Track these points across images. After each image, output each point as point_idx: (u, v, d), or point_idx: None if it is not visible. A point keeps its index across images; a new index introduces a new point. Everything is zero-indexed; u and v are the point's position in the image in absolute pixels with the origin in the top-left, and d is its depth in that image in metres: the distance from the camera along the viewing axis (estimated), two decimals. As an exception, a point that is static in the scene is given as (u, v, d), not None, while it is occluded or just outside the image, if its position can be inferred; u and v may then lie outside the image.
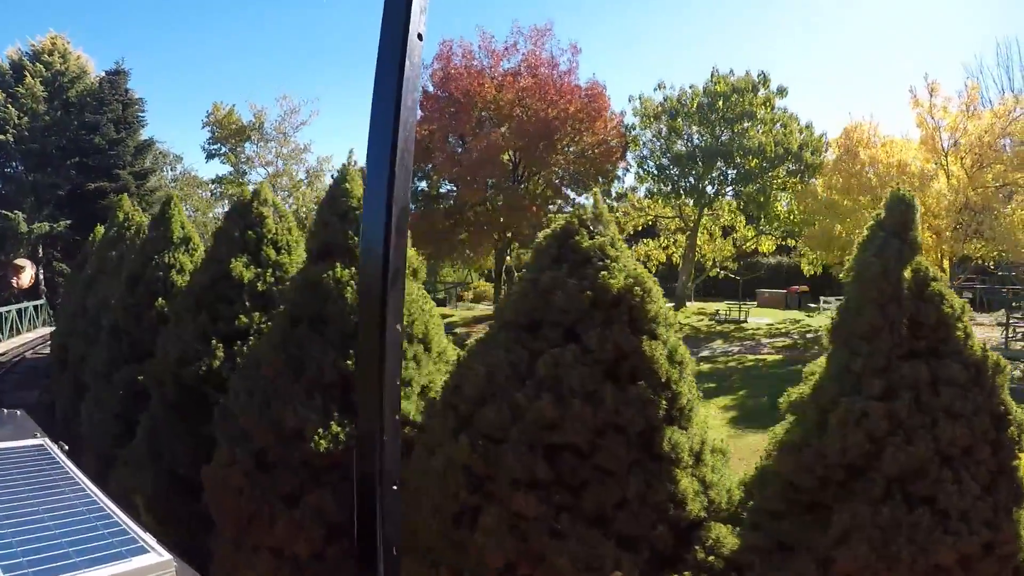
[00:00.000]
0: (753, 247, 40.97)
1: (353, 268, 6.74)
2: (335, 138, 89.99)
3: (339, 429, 6.23)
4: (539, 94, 33.72)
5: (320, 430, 6.20)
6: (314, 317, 6.73)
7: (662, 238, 41.42)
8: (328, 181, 42.69)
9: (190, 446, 7.69)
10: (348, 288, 6.69)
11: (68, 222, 39.13)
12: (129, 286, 10.80)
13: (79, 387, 13.04)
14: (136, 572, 1.44)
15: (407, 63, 1.79)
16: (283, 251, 8.88)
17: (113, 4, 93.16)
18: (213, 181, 43.08)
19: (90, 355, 13.34)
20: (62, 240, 39.69)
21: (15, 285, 25.77)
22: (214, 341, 8.11)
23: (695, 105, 36.35)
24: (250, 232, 8.82)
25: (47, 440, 2.29)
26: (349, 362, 6.37)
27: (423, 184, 36.53)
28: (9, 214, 37.47)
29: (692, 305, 40.29)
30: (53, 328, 32.23)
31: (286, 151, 41.72)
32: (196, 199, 45.56)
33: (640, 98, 37.98)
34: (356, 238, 6.86)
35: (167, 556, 1.51)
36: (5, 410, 2.82)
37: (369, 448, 1.90)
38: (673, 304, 40.20)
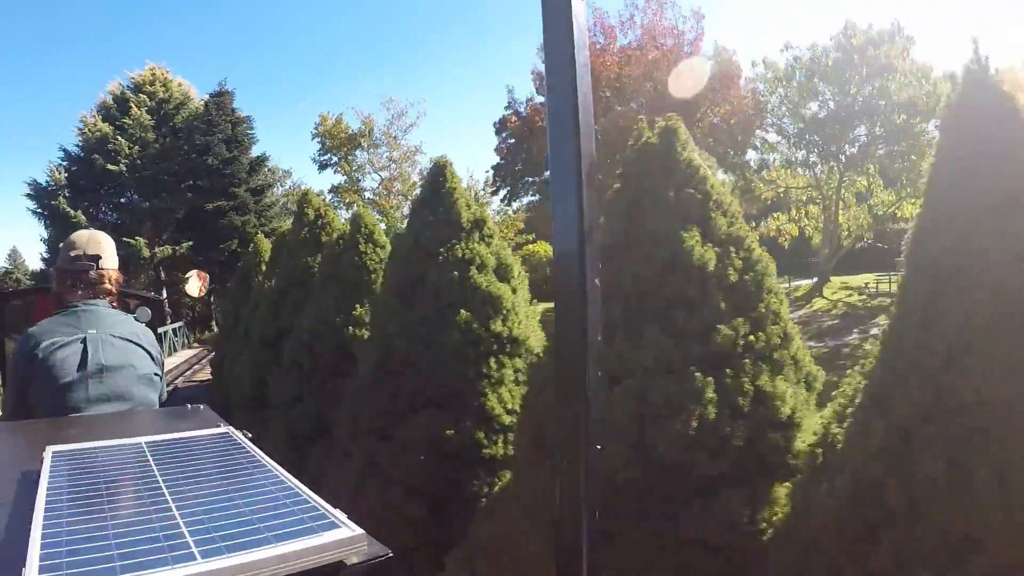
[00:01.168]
0: (892, 213, 35.29)
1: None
2: (441, 137, 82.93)
3: None
4: (671, 65, 29.31)
5: None
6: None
7: (793, 211, 36.28)
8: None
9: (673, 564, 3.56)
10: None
11: (191, 243, 36.41)
12: (400, 299, 6.83)
13: (295, 440, 9.24)
14: (327, 546, 1.17)
15: (575, 23, 1.68)
16: (733, 220, 4.67)
17: (196, 34, 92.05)
18: (329, 191, 39.94)
19: (307, 393, 9.60)
20: (184, 261, 37.01)
21: (186, 293, 23.39)
22: (699, 376, 3.95)
23: (831, 62, 31.34)
24: (689, 190, 4.66)
25: (232, 428, 1.84)
26: None
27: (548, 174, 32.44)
28: (131, 240, 34.92)
29: (834, 280, 35.01)
30: (196, 350, 29.28)
31: (397, 155, 38.16)
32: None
33: (764, 62, 33.18)
34: None
35: (359, 531, 1.19)
36: (189, 405, 2.38)
37: (573, 408, 1.68)
38: (816, 280, 35.17)
